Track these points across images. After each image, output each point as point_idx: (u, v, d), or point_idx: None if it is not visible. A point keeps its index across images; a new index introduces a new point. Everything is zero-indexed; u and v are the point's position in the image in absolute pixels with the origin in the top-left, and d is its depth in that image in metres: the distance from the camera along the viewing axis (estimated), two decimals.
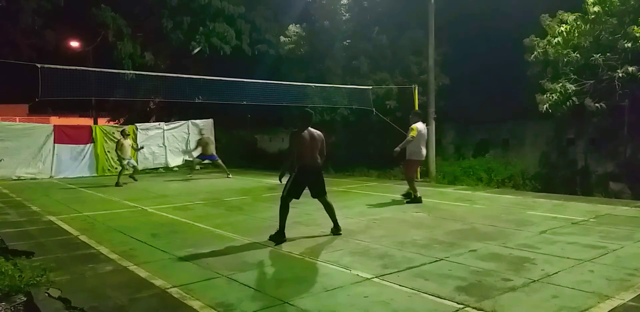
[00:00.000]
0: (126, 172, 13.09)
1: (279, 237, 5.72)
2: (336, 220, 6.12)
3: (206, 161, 14.92)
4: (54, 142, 14.83)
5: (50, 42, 19.86)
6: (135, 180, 13.21)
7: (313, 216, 7.28)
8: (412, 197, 8.57)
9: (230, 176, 14.10)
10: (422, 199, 8.54)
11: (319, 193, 6.06)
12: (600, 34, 9.48)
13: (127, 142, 12.78)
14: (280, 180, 5.96)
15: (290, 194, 5.88)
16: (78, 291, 4.02)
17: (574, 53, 9.64)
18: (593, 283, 4.04)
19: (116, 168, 15.18)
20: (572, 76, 9.80)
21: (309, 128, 5.99)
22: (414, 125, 8.44)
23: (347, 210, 7.74)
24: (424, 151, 8.63)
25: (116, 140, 14.03)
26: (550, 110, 9.93)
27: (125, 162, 12.76)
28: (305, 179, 5.92)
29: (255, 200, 9.43)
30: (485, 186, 10.97)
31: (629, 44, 8.78)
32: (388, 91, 13.58)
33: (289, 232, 6.09)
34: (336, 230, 6.09)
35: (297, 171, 5.88)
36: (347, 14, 15.22)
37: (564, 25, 9.92)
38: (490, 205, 7.78)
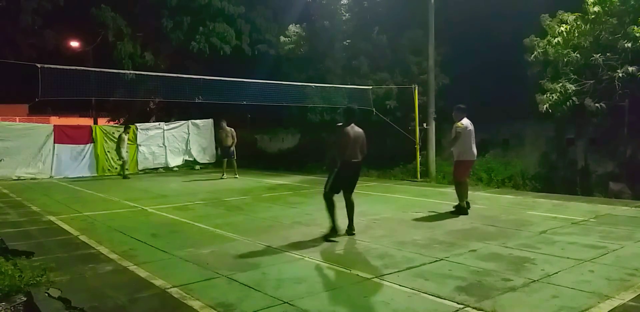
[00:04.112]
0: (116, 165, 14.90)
1: (333, 233, 5.81)
2: (352, 220, 6.08)
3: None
4: (54, 142, 14.83)
5: (50, 42, 19.83)
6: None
7: (313, 216, 7.28)
8: (457, 207, 7.48)
9: None
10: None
11: (351, 189, 6.09)
12: (600, 34, 9.49)
13: (126, 137, 14.70)
14: (329, 175, 6.00)
15: (333, 189, 5.94)
16: (78, 291, 4.02)
17: (574, 53, 9.65)
18: (593, 283, 4.04)
19: (116, 168, 15.22)
20: (572, 76, 9.81)
21: (352, 124, 6.04)
22: (458, 123, 7.44)
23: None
24: (474, 150, 7.54)
25: (117, 136, 14.68)
26: (550, 110, 9.93)
27: (125, 154, 14.39)
28: (348, 175, 5.98)
29: (255, 200, 9.43)
30: (485, 186, 10.97)
31: (629, 44, 8.78)
32: (388, 91, 13.58)
33: (288, 232, 6.10)
34: (350, 230, 6.04)
35: (340, 166, 5.92)
36: (347, 14, 15.22)
37: (564, 25, 9.93)
38: (490, 205, 7.78)
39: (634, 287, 3.93)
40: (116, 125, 20.54)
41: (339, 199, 6.04)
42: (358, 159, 6.05)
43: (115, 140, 15.11)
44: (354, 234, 5.99)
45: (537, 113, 10.21)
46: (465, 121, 7.44)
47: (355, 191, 6.17)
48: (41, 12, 18.76)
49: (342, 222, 6.23)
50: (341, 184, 5.98)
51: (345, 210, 6.05)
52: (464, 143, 7.41)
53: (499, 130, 12.61)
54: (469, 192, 7.64)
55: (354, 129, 6.04)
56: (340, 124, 6.07)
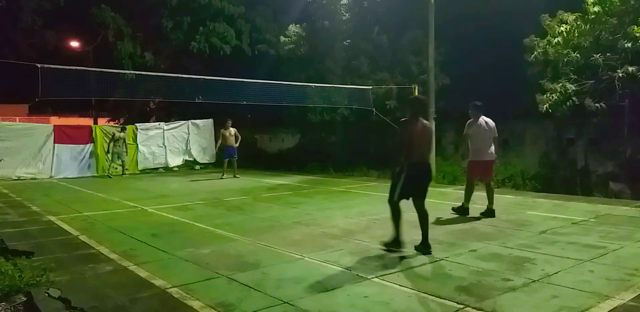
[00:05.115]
0: (116, 165, 15.17)
1: (395, 245, 5.14)
2: (427, 234, 5.18)
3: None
4: (54, 142, 14.81)
5: (50, 42, 19.86)
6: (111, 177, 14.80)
7: (313, 216, 7.27)
8: (461, 207, 7.48)
9: None
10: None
11: (422, 195, 5.29)
12: (600, 34, 9.49)
13: (123, 136, 15.10)
14: (393, 180, 5.16)
15: (401, 196, 5.16)
16: (78, 291, 4.02)
17: (574, 53, 9.65)
18: (593, 283, 4.04)
19: (116, 168, 15.22)
20: (572, 76, 9.81)
21: (420, 118, 5.24)
22: (469, 126, 7.48)
23: (347, 210, 7.73)
24: (487, 150, 7.37)
25: (114, 136, 14.94)
26: (550, 110, 9.93)
27: (122, 151, 14.92)
28: (416, 178, 5.19)
29: (255, 200, 9.43)
30: None
31: (629, 44, 8.78)
32: (388, 91, 13.57)
33: (288, 232, 6.08)
34: (424, 248, 5.10)
35: (407, 168, 5.09)
36: (347, 14, 15.22)
37: (564, 25, 9.93)
38: None
39: (634, 287, 3.93)
40: (116, 125, 20.54)
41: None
42: (427, 158, 5.28)
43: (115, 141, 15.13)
44: (430, 253, 5.05)
45: (537, 113, 10.21)
46: (480, 120, 7.46)
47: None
48: (41, 12, 18.78)
49: (343, 222, 6.24)
50: (410, 189, 5.15)
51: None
52: (474, 143, 7.48)
53: (499, 130, 12.56)
54: (496, 195, 7.57)
55: (423, 123, 5.21)
56: (405, 119, 5.22)
